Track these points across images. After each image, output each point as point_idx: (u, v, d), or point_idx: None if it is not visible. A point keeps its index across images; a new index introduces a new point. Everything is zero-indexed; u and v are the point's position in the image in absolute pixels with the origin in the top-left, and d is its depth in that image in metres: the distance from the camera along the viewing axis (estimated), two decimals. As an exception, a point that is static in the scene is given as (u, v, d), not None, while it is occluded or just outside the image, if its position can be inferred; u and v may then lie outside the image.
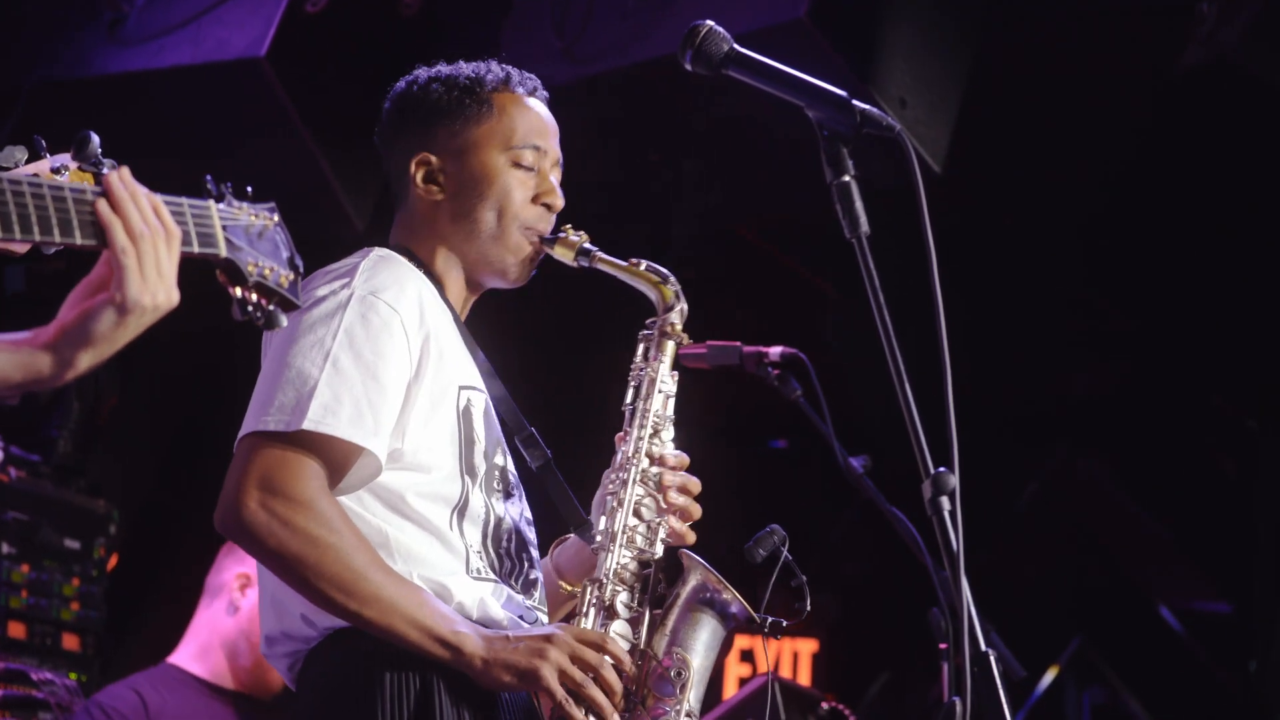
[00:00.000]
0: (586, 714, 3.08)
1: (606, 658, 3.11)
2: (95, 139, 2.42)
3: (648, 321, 3.42)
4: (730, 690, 7.79)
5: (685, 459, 3.38)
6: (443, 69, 3.44)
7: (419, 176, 3.37)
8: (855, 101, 3.00)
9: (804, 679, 8.31)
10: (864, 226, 2.94)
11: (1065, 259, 7.39)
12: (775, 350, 4.57)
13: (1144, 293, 7.58)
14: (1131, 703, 8.77)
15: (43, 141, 2.52)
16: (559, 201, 3.38)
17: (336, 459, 3.06)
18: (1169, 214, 6.97)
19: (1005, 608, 6.71)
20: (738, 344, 4.59)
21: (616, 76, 5.85)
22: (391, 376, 3.10)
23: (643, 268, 3.38)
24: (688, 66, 3.16)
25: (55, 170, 2.38)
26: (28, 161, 2.54)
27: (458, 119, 3.37)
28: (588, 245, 3.35)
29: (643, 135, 6.29)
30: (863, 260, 2.91)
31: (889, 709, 8.51)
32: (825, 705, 5.57)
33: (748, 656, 8.07)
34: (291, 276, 2.51)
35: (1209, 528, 8.44)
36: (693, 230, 6.67)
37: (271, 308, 2.48)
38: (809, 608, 3.28)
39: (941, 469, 2.81)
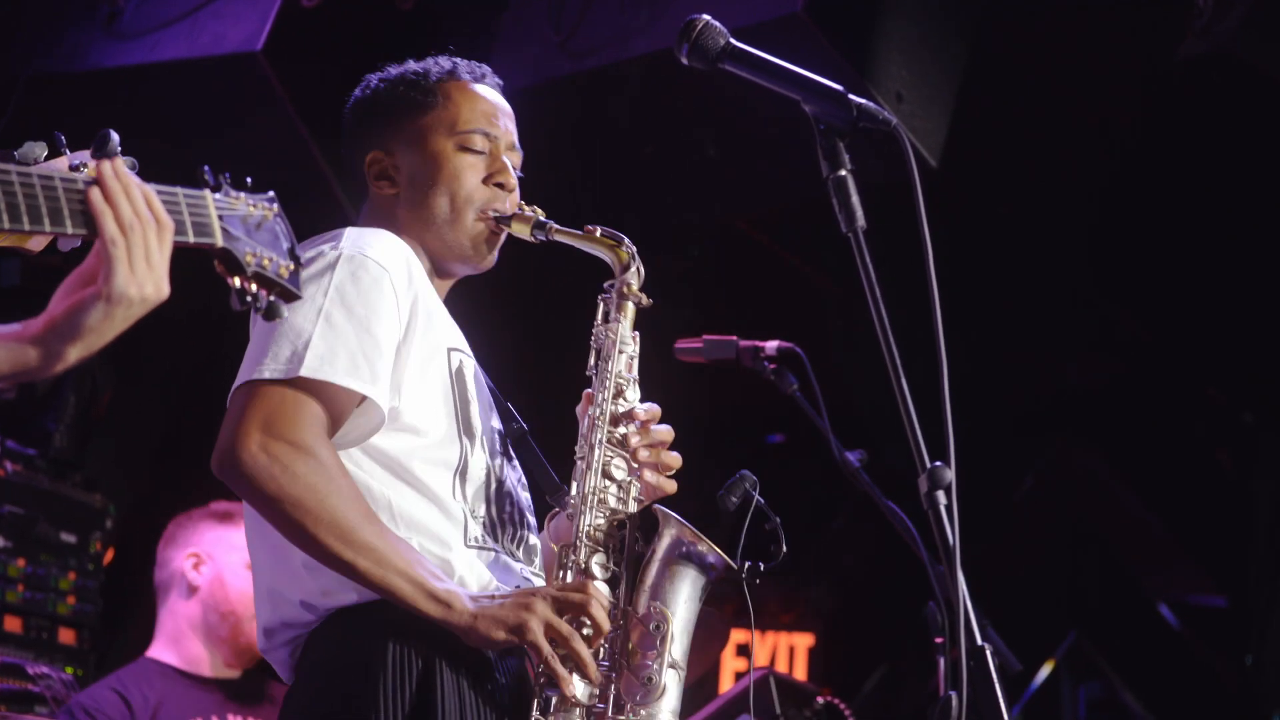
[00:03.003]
0: (571, 671, 3.08)
1: (592, 602, 3.11)
2: (115, 137, 2.41)
3: (605, 284, 3.43)
4: (726, 685, 7.80)
5: (655, 410, 3.37)
6: (391, 69, 3.49)
7: (372, 173, 3.43)
8: (851, 96, 3.00)
9: (800, 673, 8.33)
10: (860, 221, 2.93)
11: (1061, 252, 7.40)
12: (772, 344, 4.57)
13: (1141, 285, 7.59)
14: (1128, 697, 8.78)
15: (63, 138, 2.51)
16: (511, 179, 3.40)
17: (336, 407, 3.07)
18: (1166, 206, 6.97)
19: (1001, 602, 6.72)
20: (734, 338, 4.60)
21: (613, 71, 5.85)
22: (384, 330, 3.12)
23: (598, 233, 3.39)
24: (684, 61, 3.16)
25: (74, 167, 2.36)
26: (47, 158, 2.52)
27: (404, 112, 3.40)
28: (543, 219, 3.37)
29: (639, 129, 6.29)
30: (859, 254, 2.91)
31: (885, 703, 8.51)
32: (821, 699, 5.57)
33: (744, 651, 8.08)
34: (292, 267, 2.49)
35: (1205, 521, 8.45)
36: (689, 224, 6.67)
37: (272, 298, 2.46)
38: (785, 550, 3.28)
39: (937, 463, 2.80)
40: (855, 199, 2.95)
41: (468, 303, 3.55)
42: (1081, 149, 6.62)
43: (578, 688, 3.10)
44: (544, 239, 3.37)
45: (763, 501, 3.33)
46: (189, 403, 7.40)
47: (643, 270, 3.41)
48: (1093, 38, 6.05)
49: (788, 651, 8.47)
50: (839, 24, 5.37)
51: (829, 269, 7.55)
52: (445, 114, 3.39)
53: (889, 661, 8.58)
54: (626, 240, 3.40)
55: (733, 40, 3.13)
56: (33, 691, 5.43)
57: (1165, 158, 6.62)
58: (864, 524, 7.66)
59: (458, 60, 3.47)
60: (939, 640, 4.51)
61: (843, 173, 2.96)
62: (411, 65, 3.46)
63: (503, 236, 3.40)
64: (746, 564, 3.24)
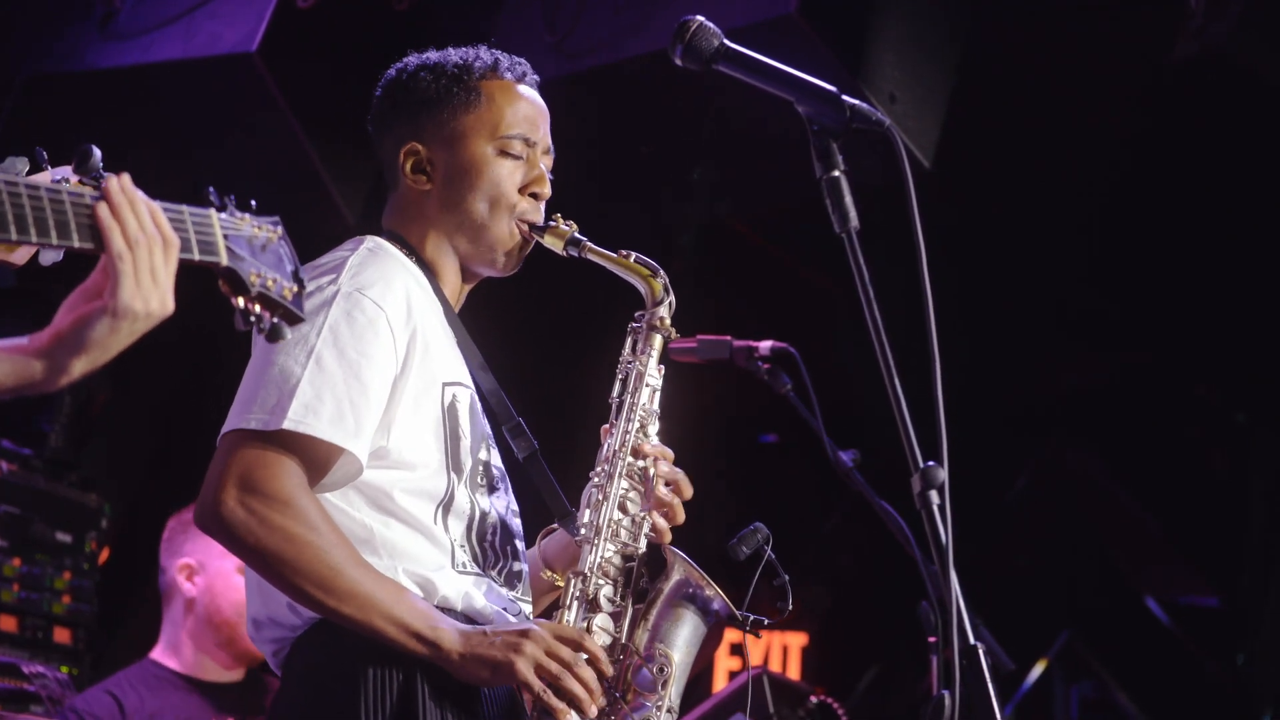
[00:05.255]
0: (566, 707, 3.08)
1: (582, 654, 3.12)
2: (97, 153, 2.42)
3: (636, 315, 3.41)
4: (720, 684, 7.80)
5: (669, 454, 3.36)
6: (431, 55, 3.42)
7: (407, 166, 3.36)
8: (845, 97, 3.00)
9: (793, 672, 8.33)
10: (853, 221, 2.94)
11: (1055, 252, 7.41)
12: (765, 344, 4.58)
13: (1134, 285, 7.60)
14: (1120, 696, 8.79)
15: (44, 153, 2.52)
16: (546, 190, 3.37)
17: (317, 459, 3.06)
18: (1159, 207, 6.98)
19: (994, 601, 6.73)
20: (728, 338, 4.60)
21: (607, 72, 5.86)
22: (375, 376, 3.10)
23: (632, 260, 3.36)
24: (678, 62, 3.16)
25: (55, 182, 2.38)
26: (29, 173, 2.53)
27: (445, 108, 3.35)
28: (578, 235, 3.33)
29: (634, 130, 6.29)
30: (852, 255, 2.92)
31: (878, 702, 8.52)
32: (814, 699, 5.58)
33: (738, 650, 8.08)
34: (295, 289, 2.50)
35: (1198, 521, 8.46)
36: (685, 224, 6.67)
37: (276, 320, 2.47)
38: (790, 607, 3.28)
39: (930, 463, 2.81)
40: (848, 199, 2.95)
41: (481, 311, 3.54)
42: (1075, 149, 6.63)
43: None
44: (575, 255, 3.33)
45: (774, 556, 3.32)
46: (184, 402, 7.40)
47: (674, 303, 3.38)
48: (1087, 38, 6.06)
49: (781, 651, 8.47)
50: (832, 25, 5.38)
51: (830, 269, 7.55)
52: (487, 115, 3.34)
53: (882, 661, 8.59)
54: (661, 271, 3.37)
55: (726, 41, 3.13)
56: (28, 691, 5.44)
57: (1159, 159, 6.63)
58: (857, 523, 7.66)
59: (499, 55, 3.42)
60: (932, 639, 4.52)
61: (836, 173, 2.97)
62: (453, 56, 3.40)
63: (532, 246, 3.37)
64: (750, 616, 3.24)
